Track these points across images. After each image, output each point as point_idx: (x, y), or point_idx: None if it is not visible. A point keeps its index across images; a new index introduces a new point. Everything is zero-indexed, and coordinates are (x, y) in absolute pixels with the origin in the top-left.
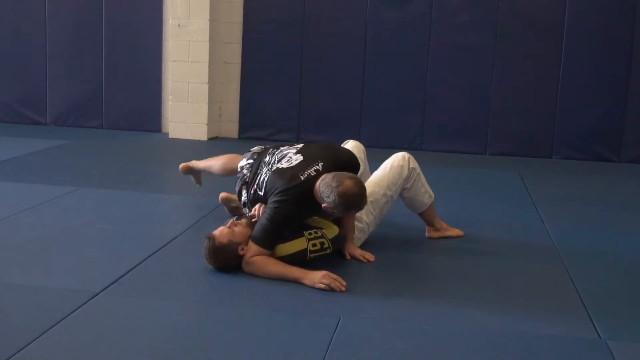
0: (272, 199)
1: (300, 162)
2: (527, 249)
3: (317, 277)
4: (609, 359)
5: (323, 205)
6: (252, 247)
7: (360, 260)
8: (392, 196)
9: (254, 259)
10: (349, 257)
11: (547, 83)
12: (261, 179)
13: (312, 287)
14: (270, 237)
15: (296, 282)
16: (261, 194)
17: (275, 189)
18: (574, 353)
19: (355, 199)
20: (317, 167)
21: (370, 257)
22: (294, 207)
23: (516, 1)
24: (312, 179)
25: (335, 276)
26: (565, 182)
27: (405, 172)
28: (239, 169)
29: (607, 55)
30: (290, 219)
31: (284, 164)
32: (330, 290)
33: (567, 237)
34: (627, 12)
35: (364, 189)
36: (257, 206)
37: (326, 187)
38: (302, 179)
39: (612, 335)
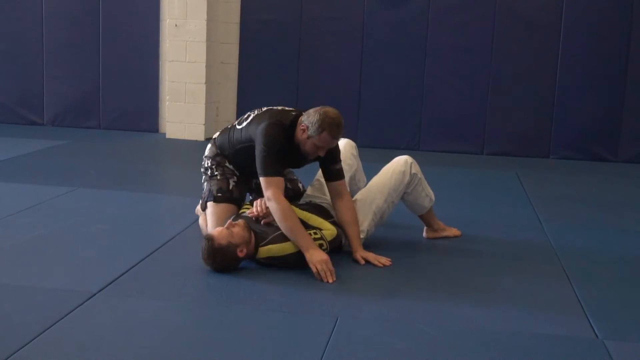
0: (259, 129)
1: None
2: (525, 248)
3: (316, 258)
4: (606, 358)
5: (300, 127)
6: (270, 182)
7: (375, 265)
8: (393, 202)
9: (280, 201)
10: (363, 262)
11: (544, 83)
12: (235, 137)
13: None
14: (273, 162)
15: (300, 249)
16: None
17: (260, 122)
18: (571, 353)
19: (333, 120)
20: (298, 112)
21: (386, 261)
22: (277, 133)
23: (513, 1)
24: (294, 114)
25: (331, 268)
26: (563, 181)
27: (407, 178)
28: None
29: (604, 55)
30: (281, 141)
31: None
32: (318, 278)
33: (565, 236)
34: (624, 12)
35: (342, 122)
36: (257, 201)
37: (311, 110)
38: (285, 109)
39: (609, 335)
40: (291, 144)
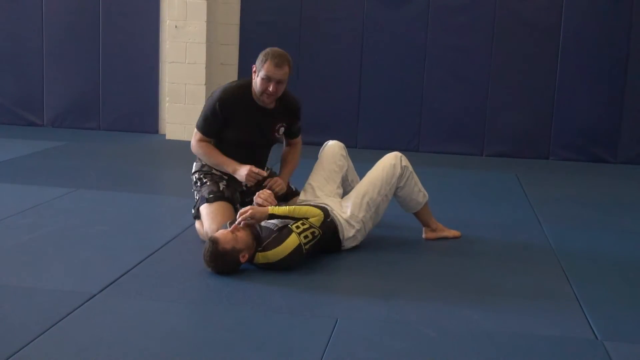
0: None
1: None
2: (524, 250)
3: (243, 172)
4: (605, 359)
5: (252, 71)
6: (196, 134)
7: (268, 184)
8: (386, 195)
9: (200, 145)
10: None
11: (543, 84)
12: None
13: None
14: (207, 123)
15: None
16: None
17: None
18: (570, 354)
19: (275, 50)
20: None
21: (278, 187)
22: (230, 92)
23: (513, 3)
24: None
25: (256, 170)
26: (562, 183)
27: (398, 170)
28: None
29: (603, 57)
30: (224, 107)
31: None
32: (252, 183)
33: (564, 238)
34: (623, 14)
35: (284, 53)
36: (258, 194)
37: None
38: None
39: (608, 336)
40: (248, 97)
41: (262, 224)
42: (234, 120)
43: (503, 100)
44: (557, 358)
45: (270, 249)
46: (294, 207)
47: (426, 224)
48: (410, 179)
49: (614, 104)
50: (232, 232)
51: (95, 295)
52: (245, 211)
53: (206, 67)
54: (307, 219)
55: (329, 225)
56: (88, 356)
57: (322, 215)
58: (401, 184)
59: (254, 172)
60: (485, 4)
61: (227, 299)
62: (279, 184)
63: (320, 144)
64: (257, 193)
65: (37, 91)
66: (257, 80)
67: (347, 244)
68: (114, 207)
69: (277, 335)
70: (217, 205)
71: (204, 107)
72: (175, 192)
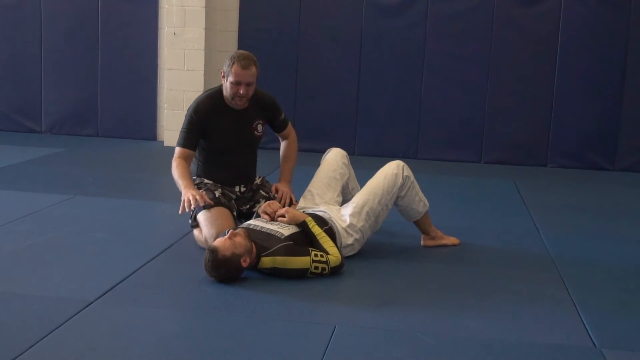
0: None
1: None
2: (522, 257)
3: (189, 194)
4: None
5: (221, 76)
6: (176, 151)
7: (279, 199)
8: (386, 204)
9: (175, 162)
10: (274, 191)
11: (542, 91)
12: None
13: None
14: (185, 135)
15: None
16: None
17: None
18: None
19: (240, 53)
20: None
21: (287, 201)
22: (202, 103)
23: (511, 10)
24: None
25: (200, 195)
26: (560, 190)
27: (400, 180)
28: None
29: (601, 64)
30: (200, 117)
31: None
32: (187, 205)
33: (562, 245)
34: (620, 22)
35: (250, 55)
36: (262, 208)
37: None
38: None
39: (607, 344)
40: (221, 103)
41: (265, 230)
42: (212, 129)
43: (501, 107)
44: None
45: (281, 256)
46: (326, 237)
47: (425, 232)
48: (411, 189)
49: (612, 112)
50: (230, 238)
51: (92, 302)
52: (275, 207)
53: (204, 74)
54: (327, 253)
55: (327, 233)
56: None
57: (340, 260)
58: (402, 194)
59: (196, 199)
60: (484, 12)
61: (224, 306)
62: (288, 198)
63: (319, 151)
64: (264, 204)
65: (36, 98)
66: (227, 85)
67: (344, 252)
68: (112, 213)
69: (275, 342)
70: (215, 210)
71: (182, 126)
72: (173, 199)
